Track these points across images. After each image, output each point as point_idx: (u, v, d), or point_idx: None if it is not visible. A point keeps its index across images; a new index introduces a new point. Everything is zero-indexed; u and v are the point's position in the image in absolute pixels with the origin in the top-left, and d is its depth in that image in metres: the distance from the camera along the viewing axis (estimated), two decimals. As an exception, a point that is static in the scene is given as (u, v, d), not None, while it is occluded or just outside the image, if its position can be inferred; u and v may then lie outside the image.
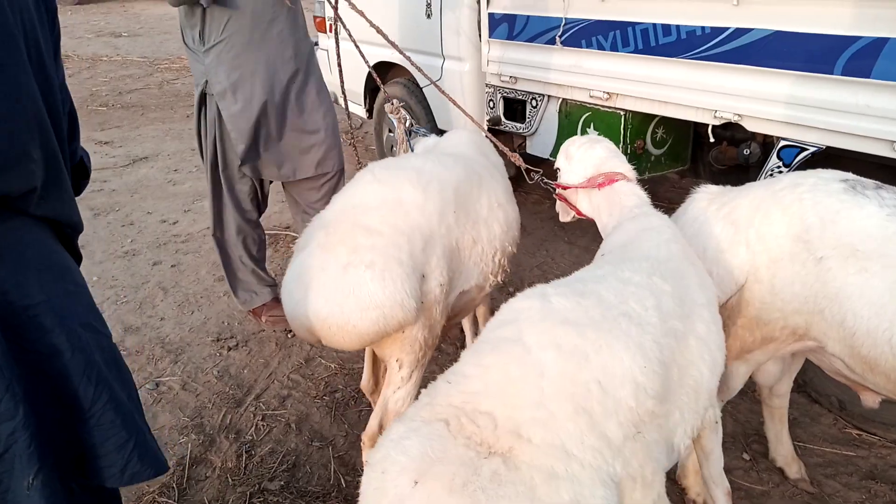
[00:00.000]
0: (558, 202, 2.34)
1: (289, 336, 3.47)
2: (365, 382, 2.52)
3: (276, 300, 3.52)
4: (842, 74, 2.36)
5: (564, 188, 2.21)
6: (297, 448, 2.72)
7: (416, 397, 1.46)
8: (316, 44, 6.01)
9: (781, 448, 2.49)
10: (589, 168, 2.12)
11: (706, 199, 2.04)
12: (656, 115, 3.30)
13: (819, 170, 1.88)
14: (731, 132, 3.12)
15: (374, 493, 1.16)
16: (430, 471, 1.11)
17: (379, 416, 2.13)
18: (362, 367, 3.17)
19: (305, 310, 1.87)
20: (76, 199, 1.48)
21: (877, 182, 1.74)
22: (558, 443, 1.15)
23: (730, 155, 3.24)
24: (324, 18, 5.63)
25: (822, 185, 1.74)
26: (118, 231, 4.90)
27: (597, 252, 1.90)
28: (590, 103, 3.48)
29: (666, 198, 4.62)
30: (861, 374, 1.75)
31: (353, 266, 1.83)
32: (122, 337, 3.51)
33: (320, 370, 3.20)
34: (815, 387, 2.84)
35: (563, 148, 2.32)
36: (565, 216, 2.37)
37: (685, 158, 3.66)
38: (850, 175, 1.78)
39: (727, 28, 2.69)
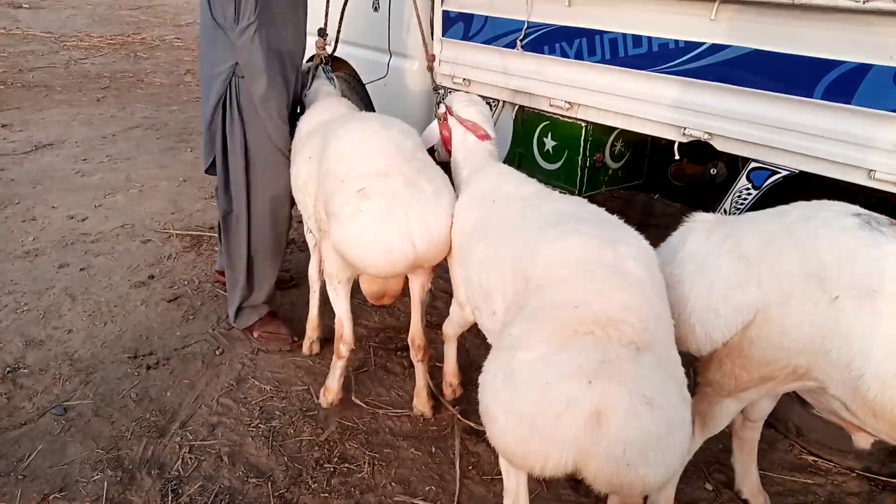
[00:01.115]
0: (435, 126, 2.81)
1: (257, 350, 3.14)
2: (349, 334, 2.74)
3: (272, 314, 3.29)
4: (822, 98, 2.29)
5: (458, 120, 2.71)
6: (230, 485, 2.42)
7: None
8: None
9: (748, 480, 2.41)
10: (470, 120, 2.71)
11: (704, 230, 1.91)
12: (617, 128, 3.18)
13: (826, 201, 1.78)
14: (695, 150, 3.04)
15: (540, 403, 1.40)
16: (600, 369, 1.38)
17: (419, 318, 2.68)
18: (300, 390, 2.92)
19: (418, 240, 2.27)
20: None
21: (890, 218, 1.65)
22: (667, 337, 1.59)
23: (690, 172, 3.17)
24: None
25: (835, 220, 1.63)
26: (18, 227, 4.38)
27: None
28: (549, 112, 3.32)
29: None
30: (861, 418, 1.66)
31: (439, 191, 2.37)
32: (23, 352, 3.08)
33: (254, 393, 2.90)
34: (773, 413, 2.79)
35: (450, 98, 2.86)
36: (431, 140, 2.79)
37: (641, 173, 3.57)
38: (861, 209, 1.69)
39: (702, 43, 2.59)
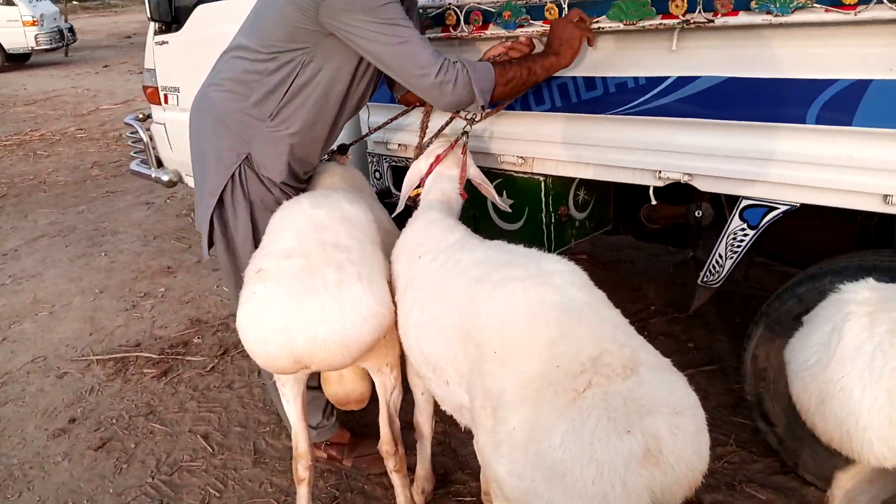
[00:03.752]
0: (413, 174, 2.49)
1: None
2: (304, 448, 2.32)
3: (355, 435, 2.85)
4: (817, 123, 2.02)
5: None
6: None
7: None
8: (148, 117, 5.17)
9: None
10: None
11: (865, 315, 1.59)
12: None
13: None
14: (669, 190, 2.75)
15: (602, 480, 1.27)
16: (626, 413, 1.31)
17: (387, 423, 2.28)
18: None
19: (298, 336, 1.86)
20: None
21: None
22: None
23: (666, 214, 2.87)
24: (156, 88, 4.80)
25: None
26: None
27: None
28: (499, 169, 2.99)
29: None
30: None
31: (344, 282, 1.91)
32: (-87, 556, 2.49)
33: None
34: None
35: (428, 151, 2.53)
36: (407, 189, 2.47)
37: (608, 219, 3.27)
38: None
39: (666, 77, 2.31)
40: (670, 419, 1.32)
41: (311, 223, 2.07)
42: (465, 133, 2.52)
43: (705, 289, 2.59)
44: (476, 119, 2.58)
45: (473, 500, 2.58)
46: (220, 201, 2.38)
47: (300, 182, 2.51)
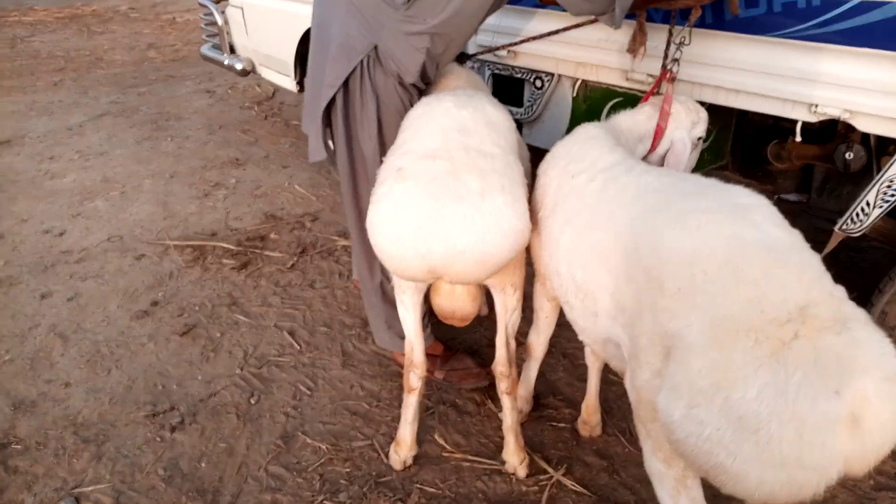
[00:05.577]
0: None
1: (308, 391, 2.62)
2: (420, 357, 2.24)
3: (449, 349, 2.78)
4: None
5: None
6: (304, 592, 1.94)
7: None
8: (221, -1, 4.95)
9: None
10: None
11: None
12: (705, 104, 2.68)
13: None
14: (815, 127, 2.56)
15: (800, 440, 1.19)
16: (838, 370, 1.20)
17: (504, 344, 2.19)
18: (363, 446, 2.43)
19: (436, 243, 1.75)
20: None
21: None
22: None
23: (801, 153, 2.68)
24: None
25: None
26: (-16, 250, 3.75)
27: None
28: (622, 87, 2.80)
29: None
30: None
31: (487, 192, 1.78)
32: (12, 420, 2.53)
33: (308, 455, 2.39)
34: None
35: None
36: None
37: (725, 153, 3.08)
38: None
39: (847, 0, 2.08)
40: (880, 384, 1.22)
41: (456, 124, 1.93)
42: (675, 61, 2.30)
43: (839, 235, 2.44)
44: (686, 42, 2.31)
45: (567, 426, 2.55)
46: (346, 90, 2.23)
47: (426, 84, 2.35)
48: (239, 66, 4.84)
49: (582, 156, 1.92)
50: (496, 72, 3.32)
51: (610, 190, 1.75)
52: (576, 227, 1.78)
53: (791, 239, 1.44)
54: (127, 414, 2.58)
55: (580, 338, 1.92)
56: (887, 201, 2.23)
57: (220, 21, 4.82)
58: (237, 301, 3.26)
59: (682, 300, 1.41)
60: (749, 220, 1.46)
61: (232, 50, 4.95)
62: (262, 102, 6.30)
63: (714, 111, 2.65)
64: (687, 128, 2.23)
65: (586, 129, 2.05)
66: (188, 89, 6.67)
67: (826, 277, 1.39)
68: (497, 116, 2.03)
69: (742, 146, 3.08)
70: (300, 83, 4.48)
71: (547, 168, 2.03)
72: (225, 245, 3.75)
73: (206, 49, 5.15)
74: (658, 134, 2.22)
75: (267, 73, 4.74)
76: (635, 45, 2.41)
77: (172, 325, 3.09)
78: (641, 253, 1.54)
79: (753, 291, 1.33)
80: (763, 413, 1.23)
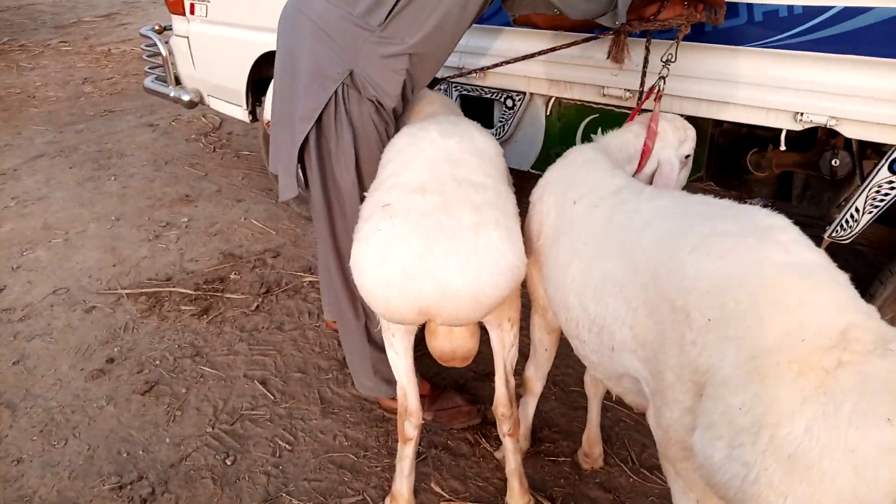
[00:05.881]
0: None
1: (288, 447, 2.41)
2: (415, 405, 2.06)
3: (436, 387, 2.62)
4: None
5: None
6: None
7: None
8: (167, 28, 4.73)
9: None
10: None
11: None
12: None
13: None
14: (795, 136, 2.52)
15: (856, 475, 1.10)
16: (887, 396, 1.12)
17: (504, 383, 2.08)
18: (351, 503, 2.25)
19: (427, 283, 1.63)
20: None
21: None
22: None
23: (782, 161, 2.64)
24: (181, -5, 4.36)
25: None
26: (-86, 313, 3.42)
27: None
28: (598, 103, 2.72)
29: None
30: None
31: (481, 227, 1.67)
32: (-42, 508, 2.26)
33: (296, 518, 2.20)
34: None
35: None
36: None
37: (701, 165, 3.02)
38: None
39: (829, 7, 2.04)
40: None
41: (444, 154, 1.80)
42: (661, 79, 2.21)
43: (827, 242, 2.40)
44: (673, 59, 2.22)
45: (566, 460, 2.42)
46: (318, 123, 2.07)
47: (403, 109, 2.21)
48: (186, 98, 4.61)
49: (581, 180, 1.81)
50: (464, 93, 3.20)
51: (618, 216, 1.64)
52: (584, 257, 1.67)
53: (820, 259, 1.37)
54: (90, 488, 2.33)
55: (592, 373, 1.80)
56: (877, 206, 2.20)
57: (164, 52, 4.58)
58: (201, 351, 3.04)
59: (713, 332, 1.31)
60: (776, 241, 1.37)
61: (177, 81, 4.72)
62: (208, 134, 6.05)
63: (690, 123, 2.60)
64: (674, 146, 2.15)
65: (581, 152, 1.95)
66: (129, 124, 6.37)
67: (858, 297, 1.31)
68: (485, 144, 1.91)
69: (717, 156, 3.04)
70: (252, 112, 4.29)
71: (542, 194, 1.91)
72: (182, 290, 3.51)
73: (149, 81, 4.90)
74: (645, 153, 2.13)
75: (216, 104, 4.53)
76: (619, 51, 2.31)
77: (132, 384, 2.85)
78: (662, 283, 1.44)
79: (791, 319, 1.24)
80: (814, 449, 1.15)
